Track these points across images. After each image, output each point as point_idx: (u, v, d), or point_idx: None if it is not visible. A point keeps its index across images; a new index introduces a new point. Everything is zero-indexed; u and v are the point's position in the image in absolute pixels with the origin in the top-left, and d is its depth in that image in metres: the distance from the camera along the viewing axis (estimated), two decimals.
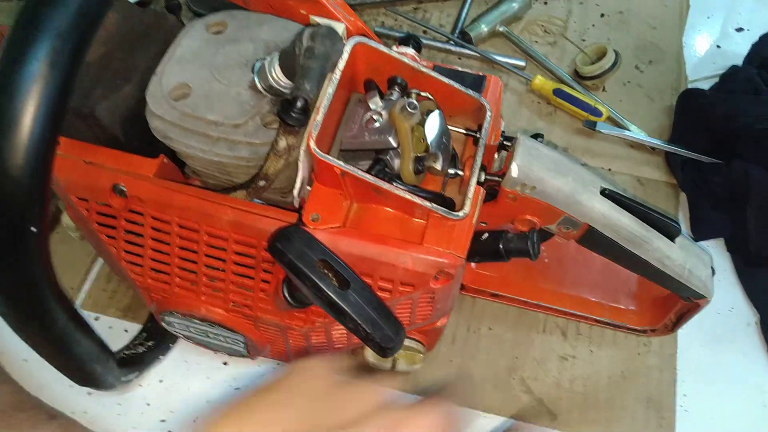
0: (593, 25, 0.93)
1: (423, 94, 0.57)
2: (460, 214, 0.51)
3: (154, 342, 0.70)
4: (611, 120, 0.84)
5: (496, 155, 0.60)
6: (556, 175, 0.53)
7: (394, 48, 0.60)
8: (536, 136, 0.58)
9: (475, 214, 0.53)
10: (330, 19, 0.57)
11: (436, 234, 0.52)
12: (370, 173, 0.52)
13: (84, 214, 0.56)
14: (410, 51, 0.60)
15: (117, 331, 0.74)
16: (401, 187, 0.51)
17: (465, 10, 0.93)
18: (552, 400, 0.68)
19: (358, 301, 0.47)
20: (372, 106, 0.54)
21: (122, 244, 0.56)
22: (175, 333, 0.64)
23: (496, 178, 0.56)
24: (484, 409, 0.67)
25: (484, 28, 0.89)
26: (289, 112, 0.47)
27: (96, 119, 0.54)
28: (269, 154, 0.50)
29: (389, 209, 0.53)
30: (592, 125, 0.81)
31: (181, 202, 0.53)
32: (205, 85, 0.53)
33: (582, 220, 0.55)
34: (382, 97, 0.55)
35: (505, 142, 0.58)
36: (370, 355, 0.65)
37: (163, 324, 0.63)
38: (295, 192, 0.52)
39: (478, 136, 0.58)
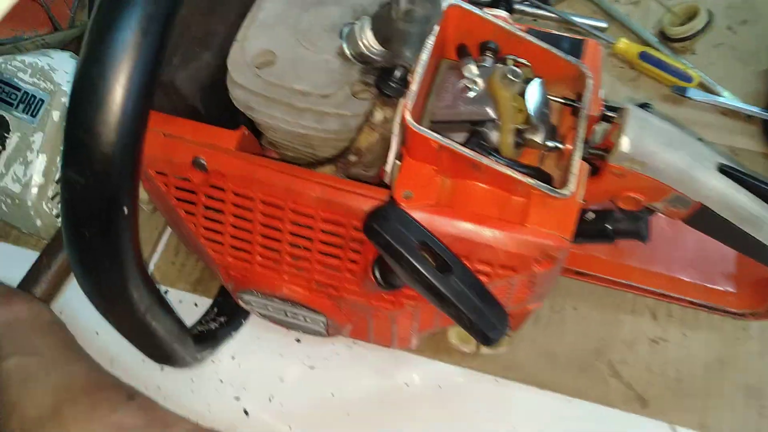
0: None
1: (520, 60, 0.53)
2: (566, 192, 0.47)
3: (226, 318, 0.68)
4: (702, 86, 0.78)
5: (596, 127, 0.55)
6: (669, 150, 0.49)
7: (485, 10, 0.55)
8: (644, 105, 0.53)
9: (580, 191, 0.49)
10: None
11: (539, 213, 0.48)
12: (466, 146, 0.48)
13: (162, 188, 0.53)
14: (502, 13, 0.55)
15: (187, 305, 0.72)
16: (502, 162, 0.47)
17: None
18: (642, 386, 0.65)
19: (460, 287, 0.44)
20: (467, 74, 0.50)
21: (201, 221, 0.54)
22: (250, 310, 0.62)
23: (599, 152, 0.52)
24: (569, 393, 0.64)
25: None
26: (388, 82, 0.44)
27: (175, 89, 0.51)
28: (363, 126, 0.46)
29: (485, 186, 0.49)
30: (681, 91, 0.75)
31: (265, 177, 0.50)
32: (290, 52, 0.49)
33: (694, 198, 0.50)
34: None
35: (607, 113, 0.53)
36: (453, 336, 0.62)
37: (240, 302, 0.61)
38: (388, 167, 0.49)
39: (578, 105, 0.53)
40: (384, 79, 0.44)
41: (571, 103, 0.54)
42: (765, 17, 0.84)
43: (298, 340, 0.69)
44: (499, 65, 0.50)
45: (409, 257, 0.43)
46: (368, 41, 0.47)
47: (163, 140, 0.51)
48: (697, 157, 0.50)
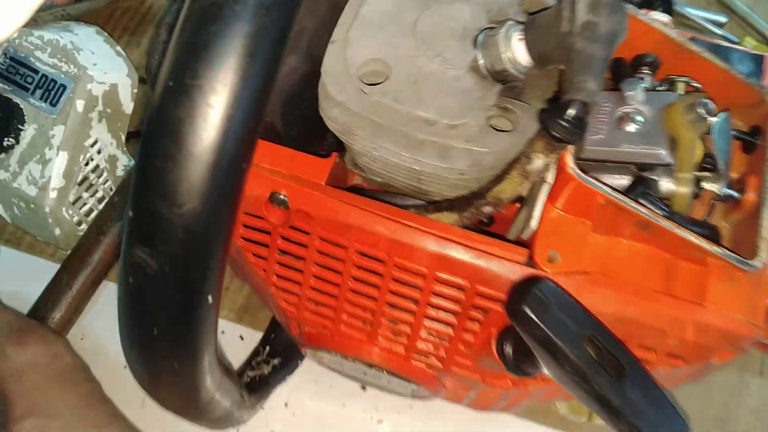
0: None
1: (694, 83, 0.41)
2: (757, 263, 0.37)
3: (280, 360, 0.57)
4: None
5: None
6: None
7: (642, 12, 0.44)
8: None
9: None
10: None
11: (721, 289, 0.37)
12: (629, 197, 0.37)
13: None
14: (663, 17, 0.44)
15: (231, 337, 0.61)
16: (678, 222, 0.36)
17: None
18: None
19: (638, 398, 0.33)
20: (630, 101, 0.39)
21: (275, 267, 0.43)
22: (318, 363, 0.52)
23: None
24: None
25: None
26: (559, 120, 0.32)
27: None
28: (511, 172, 0.35)
29: (647, 246, 0.38)
30: None
31: (365, 223, 0.38)
32: (408, 64, 0.37)
33: None
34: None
35: None
36: (562, 407, 0.52)
37: (308, 354, 0.50)
38: (533, 223, 0.37)
39: (756, 141, 0.42)
40: (552, 117, 0.32)
41: (750, 138, 0.42)
42: None
43: (363, 388, 0.59)
44: (676, 91, 0.39)
45: (572, 357, 0.33)
46: (516, 56, 0.36)
47: None
48: None
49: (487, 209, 0.37)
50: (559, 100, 0.33)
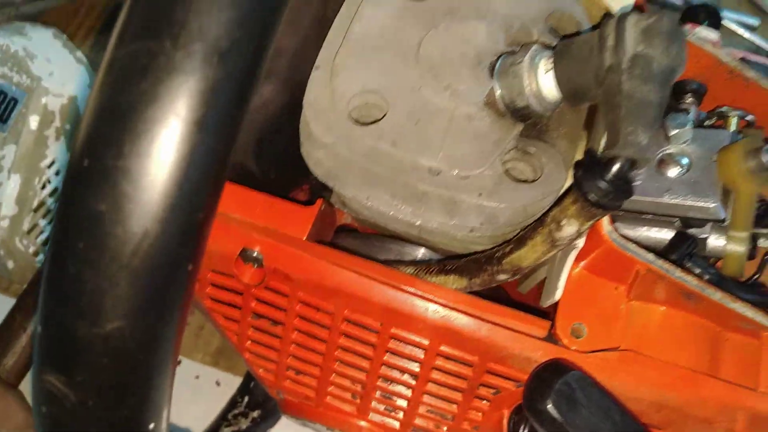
0: None
1: (748, 117, 0.35)
2: None
3: (260, 412, 0.51)
4: None
5: None
6: None
7: (687, 27, 0.37)
8: None
9: None
10: None
11: None
12: (672, 259, 0.30)
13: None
14: (712, 34, 0.37)
15: (206, 383, 0.55)
16: (736, 294, 0.30)
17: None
18: None
19: None
20: (676, 140, 0.32)
21: (248, 332, 0.36)
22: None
23: None
24: None
25: None
26: (598, 181, 0.25)
27: None
28: (533, 236, 0.28)
29: (688, 316, 0.32)
30: None
31: (355, 287, 0.32)
32: (410, 99, 0.31)
33: None
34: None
35: None
36: None
37: (287, 416, 0.44)
38: (557, 294, 0.31)
39: None
40: (590, 177, 0.26)
41: None
42: None
43: None
44: (741, 134, 0.32)
45: None
46: (542, 90, 0.29)
47: None
48: None
49: (503, 277, 0.30)
50: (598, 154, 0.26)
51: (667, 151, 0.33)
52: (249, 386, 0.52)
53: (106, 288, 0.18)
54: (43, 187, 0.55)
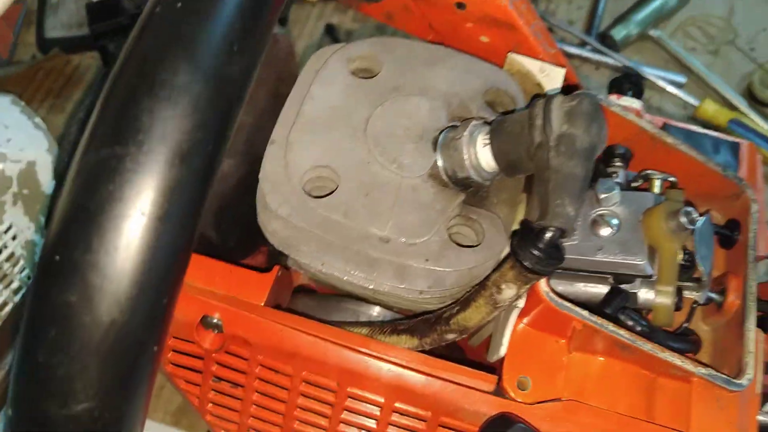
0: (765, 30, 0.73)
1: (671, 179, 0.38)
2: (744, 382, 0.33)
3: None
4: None
5: None
6: None
7: (613, 98, 0.40)
8: None
9: (760, 380, 0.35)
10: (537, 58, 0.37)
11: (707, 412, 0.34)
12: (606, 312, 0.33)
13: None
14: (635, 104, 0.41)
15: None
16: (665, 344, 0.33)
17: (602, 4, 0.72)
18: None
19: None
20: (606, 203, 0.35)
21: (209, 395, 0.37)
22: None
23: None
24: None
25: (633, 30, 0.69)
26: (533, 249, 0.28)
27: None
28: (476, 298, 0.31)
29: (625, 365, 0.35)
30: None
31: (312, 349, 0.34)
32: (360, 171, 0.33)
33: None
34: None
35: None
36: None
37: None
38: (502, 350, 0.33)
39: (734, 236, 0.39)
40: (525, 245, 0.28)
41: (729, 233, 0.39)
42: None
43: None
44: (664, 197, 0.35)
45: None
46: (481, 162, 0.32)
47: None
48: None
49: (451, 336, 0.32)
50: (531, 225, 0.29)
51: (599, 213, 0.36)
52: None
53: (75, 372, 0.19)
54: (0, 251, 0.55)
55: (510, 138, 0.30)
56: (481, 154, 0.31)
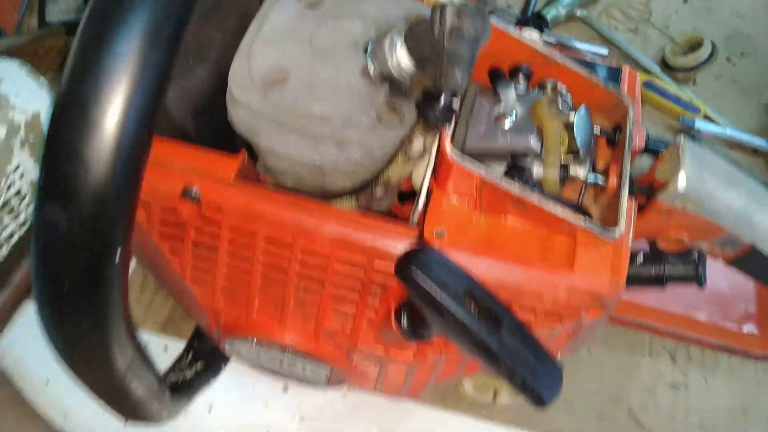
0: (676, 12, 0.84)
1: (559, 86, 0.47)
2: (615, 233, 0.42)
3: (202, 363, 0.59)
4: (706, 117, 0.75)
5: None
6: (728, 189, 0.44)
7: (516, 29, 0.50)
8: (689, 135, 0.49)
9: (630, 233, 0.44)
10: None
11: (587, 256, 0.42)
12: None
13: (143, 223, 0.45)
14: (534, 34, 0.50)
15: (155, 348, 0.63)
16: (550, 200, 0.42)
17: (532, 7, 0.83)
18: None
19: (513, 343, 0.38)
20: (504, 101, 0.45)
21: (189, 260, 0.46)
22: (236, 359, 0.54)
23: (643, 189, 0.47)
24: None
25: (561, 11, 0.79)
26: (433, 109, 0.37)
27: (163, 108, 0.43)
28: (397, 157, 0.40)
29: (525, 223, 0.44)
30: (690, 123, 0.72)
31: (272, 211, 0.42)
32: (305, 70, 0.42)
33: (748, 241, 0.46)
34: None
35: (651, 146, 0.49)
36: (468, 387, 0.56)
37: (226, 348, 0.53)
38: (421, 203, 0.42)
39: (616, 138, 0.48)
40: (427, 106, 0.37)
41: (612, 134, 0.49)
42: (763, 50, 0.82)
43: (285, 389, 0.61)
44: (545, 93, 0.45)
45: (454, 310, 0.37)
46: (400, 60, 0.41)
47: (148, 165, 0.43)
48: (753, 194, 0.45)
49: (379, 190, 0.41)
50: (431, 91, 0.38)
51: (500, 110, 0.45)
52: (193, 344, 0.61)
53: (92, 150, 0.28)
54: (9, 187, 0.63)
55: (418, 38, 0.40)
56: (399, 54, 0.41)
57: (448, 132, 0.41)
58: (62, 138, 0.28)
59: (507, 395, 0.55)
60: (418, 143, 0.39)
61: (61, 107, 0.29)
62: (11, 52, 0.72)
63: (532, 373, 0.38)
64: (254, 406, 0.61)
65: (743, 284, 0.63)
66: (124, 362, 0.38)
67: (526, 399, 0.39)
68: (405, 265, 0.38)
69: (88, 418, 0.58)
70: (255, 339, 0.48)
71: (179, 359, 0.60)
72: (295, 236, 0.43)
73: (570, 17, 0.81)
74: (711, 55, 0.76)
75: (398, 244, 0.42)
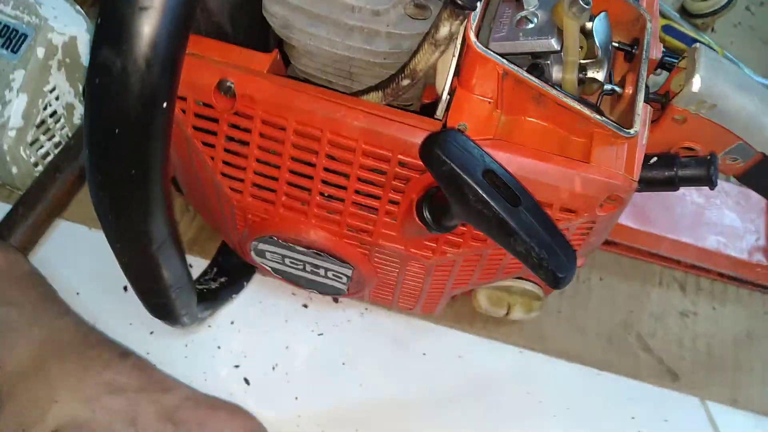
0: None
1: None
2: (631, 131, 0.44)
3: (227, 278, 0.62)
4: None
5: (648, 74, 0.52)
6: (741, 93, 0.46)
7: None
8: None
9: (644, 134, 0.46)
10: None
11: (603, 153, 0.44)
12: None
13: (179, 115, 0.47)
14: None
15: None
16: (568, 95, 0.44)
17: None
18: (673, 360, 0.61)
19: (531, 221, 0.39)
20: (528, 6, 0.47)
21: (221, 153, 0.48)
22: (261, 264, 0.56)
23: (659, 98, 0.49)
24: (598, 366, 0.61)
25: None
26: None
27: (203, 6, 0.45)
28: (422, 44, 0.42)
29: (544, 123, 0.46)
30: None
31: (302, 102, 0.44)
32: None
33: (760, 149, 0.48)
34: None
35: (667, 58, 0.50)
36: (482, 299, 0.58)
37: (252, 254, 0.55)
38: (445, 92, 0.44)
39: (633, 51, 0.50)
40: None
41: (624, 47, 0.50)
42: None
43: (305, 306, 0.63)
44: None
45: (476, 187, 0.39)
46: None
47: (185, 59, 0.45)
48: (766, 102, 0.47)
49: (405, 82, 0.43)
50: None
51: (523, 14, 0.47)
52: (218, 260, 0.63)
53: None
54: (45, 108, 0.66)
55: None
56: None
57: (472, 25, 0.42)
58: None
59: (520, 310, 0.57)
60: (444, 29, 0.40)
61: None
62: None
63: (549, 252, 0.40)
64: (274, 321, 0.63)
65: (756, 218, 0.65)
66: (160, 235, 0.40)
67: (542, 277, 0.40)
68: (428, 145, 0.40)
69: (116, 327, 0.60)
70: (281, 237, 0.50)
71: (204, 273, 0.62)
72: (323, 128, 0.45)
73: None
74: (729, 1, 0.77)
75: (422, 137, 0.44)
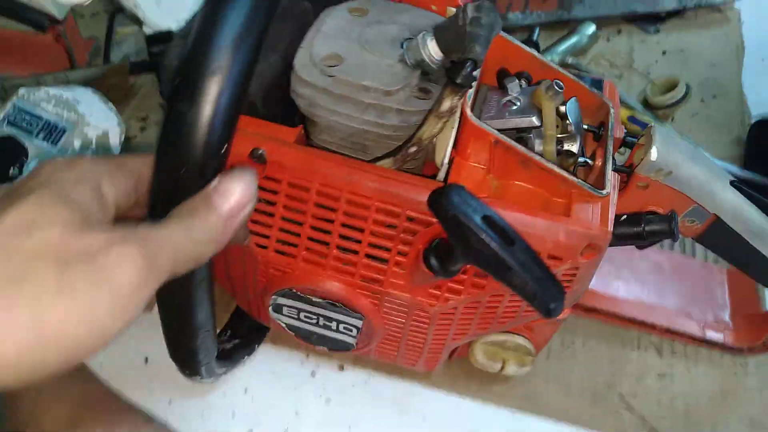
0: (656, 62, 1.01)
1: (556, 83, 0.59)
2: (603, 192, 0.52)
3: (240, 340, 0.66)
4: None
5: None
6: (691, 162, 0.55)
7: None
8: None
9: (614, 196, 0.54)
10: None
11: (582, 210, 0.52)
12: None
13: None
14: (532, 50, 0.63)
15: None
16: (549, 161, 0.52)
17: (535, 37, 0.98)
18: (654, 419, 0.66)
19: (525, 258, 0.46)
20: (511, 91, 0.56)
21: (253, 215, 0.54)
22: (276, 321, 0.61)
23: (624, 169, 0.57)
24: (587, 425, 0.65)
25: (554, 57, 0.94)
26: (459, 72, 0.48)
27: None
28: (428, 116, 0.50)
29: (529, 186, 0.54)
30: None
31: (325, 167, 0.52)
32: (355, 56, 0.54)
33: (711, 210, 0.56)
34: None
35: (629, 138, 0.60)
36: (479, 355, 0.63)
37: (269, 310, 0.60)
38: (446, 159, 0.52)
39: (600, 132, 0.59)
40: (455, 70, 0.48)
41: (592, 129, 0.60)
42: (731, 93, 0.98)
43: (312, 374, 0.68)
44: (544, 81, 0.56)
45: (475, 229, 0.46)
46: (430, 50, 0.52)
47: None
48: (713, 171, 0.56)
49: (413, 149, 0.51)
50: (456, 60, 0.49)
51: (507, 99, 0.56)
52: (232, 324, 0.68)
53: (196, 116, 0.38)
54: None
55: (444, 30, 0.52)
56: (429, 45, 0.53)
57: (468, 102, 0.51)
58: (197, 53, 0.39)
59: (514, 366, 0.62)
60: (446, 104, 0.49)
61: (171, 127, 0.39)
62: (85, 83, 0.83)
63: (541, 284, 0.46)
64: (285, 389, 0.67)
65: (716, 288, 0.72)
66: (201, 272, 0.46)
67: (536, 307, 0.47)
68: (435, 196, 0.47)
69: (136, 395, 0.64)
70: (300, 289, 0.56)
71: (219, 335, 0.67)
72: (342, 188, 0.52)
73: (562, 65, 0.95)
74: (686, 94, 0.90)
75: (427, 195, 0.51)
